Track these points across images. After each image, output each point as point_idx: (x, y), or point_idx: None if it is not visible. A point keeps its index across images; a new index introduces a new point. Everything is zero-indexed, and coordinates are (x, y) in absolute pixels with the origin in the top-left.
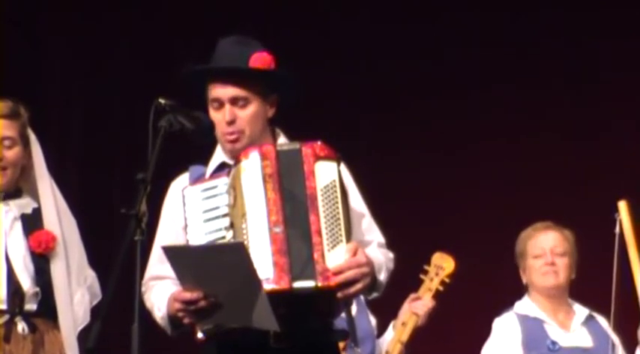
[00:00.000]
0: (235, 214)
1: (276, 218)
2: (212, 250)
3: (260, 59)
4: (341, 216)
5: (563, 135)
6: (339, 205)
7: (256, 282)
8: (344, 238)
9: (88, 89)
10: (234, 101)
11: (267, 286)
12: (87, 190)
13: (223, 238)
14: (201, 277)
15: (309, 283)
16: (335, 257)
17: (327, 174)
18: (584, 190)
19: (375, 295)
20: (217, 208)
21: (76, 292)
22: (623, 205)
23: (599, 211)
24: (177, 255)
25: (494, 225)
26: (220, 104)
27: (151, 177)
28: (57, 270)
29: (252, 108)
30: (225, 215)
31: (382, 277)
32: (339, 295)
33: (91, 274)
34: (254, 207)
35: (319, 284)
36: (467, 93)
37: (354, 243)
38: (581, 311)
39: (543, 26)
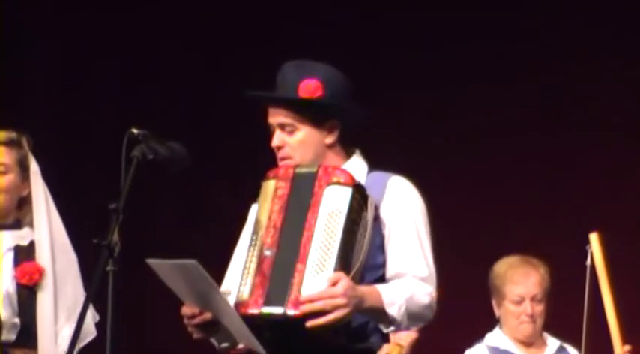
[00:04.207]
0: (252, 234)
1: (270, 241)
2: (177, 266)
3: (306, 88)
4: (336, 245)
5: (536, 166)
6: (339, 233)
7: (227, 303)
8: (331, 267)
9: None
10: (282, 127)
11: (240, 309)
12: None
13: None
14: (189, 292)
15: (277, 310)
16: (313, 286)
17: (336, 200)
18: (557, 222)
19: (392, 329)
20: None
21: (65, 327)
22: (594, 237)
23: (571, 242)
24: (159, 269)
25: (468, 256)
26: (273, 129)
27: (123, 207)
28: (42, 303)
29: (301, 135)
30: None
31: (394, 311)
32: (308, 324)
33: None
34: (259, 227)
35: (287, 312)
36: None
37: (339, 273)
38: (552, 343)
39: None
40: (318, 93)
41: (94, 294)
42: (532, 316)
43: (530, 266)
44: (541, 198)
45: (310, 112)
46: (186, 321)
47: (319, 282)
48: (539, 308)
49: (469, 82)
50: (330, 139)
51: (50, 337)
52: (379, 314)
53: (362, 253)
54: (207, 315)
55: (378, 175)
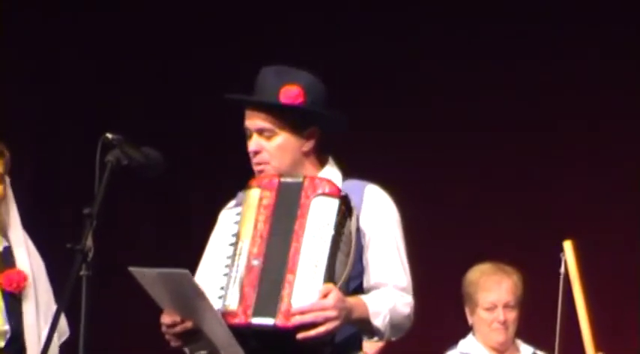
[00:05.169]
0: (235, 243)
1: (257, 251)
2: (165, 275)
3: (287, 93)
4: (325, 256)
5: (511, 173)
6: (327, 245)
7: (214, 312)
8: (320, 279)
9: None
10: (260, 132)
11: (228, 319)
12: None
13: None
14: (172, 301)
15: (268, 321)
16: (303, 298)
17: (323, 211)
18: (531, 230)
19: (375, 339)
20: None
21: (44, 331)
22: (568, 245)
23: (544, 250)
24: (142, 277)
25: (441, 263)
26: (250, 133)
27: (97, 212)
28: (28, 310)
29: (279, 140)
30: None
31: (379, 322)
32: (299, 336)
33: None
34: (245, 237)
35: (278, 323)
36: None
37: (329, 285)
38: (525, 350)
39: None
40: (300, 100)
41: (68, 299)
42: (505, 323)
43: (503, 273)
44: (515, 205)
45: (290, 119)
46: (164, 329)
47: (310, 294)
48: (512, 315)
49: (438, 93)
50: (307, 147)
51: (37, 341)
52: (364, 325)
53: (348, 264)
54: (189, 323)
55: (354, 183)
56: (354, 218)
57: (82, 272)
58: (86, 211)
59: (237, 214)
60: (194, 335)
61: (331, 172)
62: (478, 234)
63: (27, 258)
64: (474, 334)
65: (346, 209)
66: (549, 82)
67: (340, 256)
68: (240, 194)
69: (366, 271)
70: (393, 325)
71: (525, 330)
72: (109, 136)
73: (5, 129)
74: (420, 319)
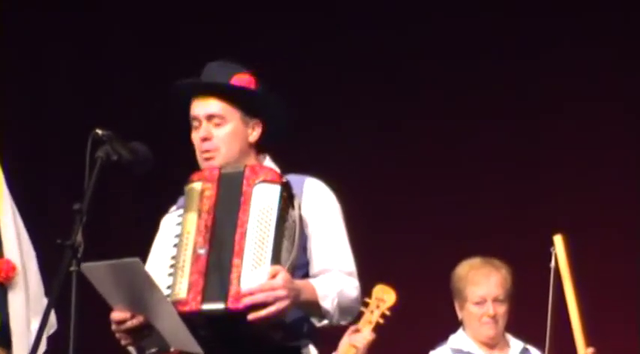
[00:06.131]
0: (180, 236)
1: (202, 240)
2: (116, 267)
3: (240, 79)
4: (270, 240)
5: (500, 167)
6: (271, 229)
7: (166, 302)
8: (268, 262)
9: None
10: (210, 118)
11: (179, 307)
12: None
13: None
14: (121, 295)
15: (218, 305)
16: (252, 280)
17: (265, 197)
18: (521, 224)
19: (325, 322)
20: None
21: (33, 322)
22: (558, 239)
23: (535, 244)
24: (93, 273)
25: (432, 258)
26: (199, 123)
27: (87, 208)
28: (16, 300)
29: (229, 127)
30: None
31: (327, 304)
32: (250, 317)
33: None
34: (189, 228)
35: (228, 306)
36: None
37: (277, 267)
38: (515, 344)
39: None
40: (252, 85)
41: (58, 294)
42: (494, 317)
43: (492, 267)
44: (505, 199)
45: (241, 106)
46: (115, 327)
47: (258, 276)
48: (502, 309)
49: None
50: (253, 138)
51: (23, 333)
52: (313, 308)
53: (293, 250)
54: (139, 319)
55: (293, 177)
56: (296, 206)
57: (72, 268)
58: (76, 206)
59: (180, 215)
60: (144, 331)
61: (271, 166)
62: (468, 228)
63: (17, 247)
64: (464, 329)
65: (288, 196)
66: (541, 73)
67: (285, 243)
68: (181, 199)
69: (311, 260)
70: (342, 308)
71: (516, 324)
72: (99, 131)
73: None
74: (409, 314)
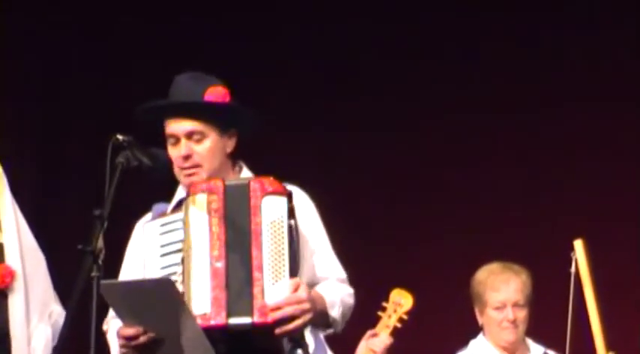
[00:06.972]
0: (185, 249)
1: (218, 253)
2: (142, 285)
3: (214, 93)
4: (286, 252)
5: (521, 174)
6: (285, 240)
7: (191, 318)
8: (287, 274)
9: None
10: (189, 136)
11: (204, 322)
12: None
13: (175, 273)
14: (138, 312)
15: (245, 320)
16: (275, 293)
17: (275, 209)
18: (541, 229)
19: (330, 331)
20: (173, 243)
21: (37, 328)
22: (579, 244)
23: (555, 249)
24: (111, 291)
25: (452, 263)
26: (177, 140)
27: (108, 213)
28: (14, 306)
29: (209, 142)
30: (179, 250)
31: (335, 313)
32: (277, 331)
33: (57, 311)
34: (198, 241)
35: (256, 320)
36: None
37: (297, 279)
38: (536, 349)
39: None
40: (227, 98)
41: (77, 300)
42: (514, 322)
43: (511, 272)
44: (525, 204)
45: (217, 119)
46: (123, 342)
47: (280, 289)
48: (522, 314)
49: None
50: (229, 148)
51: (23, 339)
52: (322, 317)
53: (300, 258)
54: (150, 335)
55: None
56: (296, 216)
57: (93, 273)
58: (97, 212)
59: (163, 225)
60: (153, 348)
61: (248, 175)
62: (488, 233)
63: (18, 253)
64: (484, 335)
65: (292, 207)
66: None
67: (297, 255)
68: (156, 207)
69: (302, 268)
70: (343, 316)
71: (536, 329)
72: (120, 137)
73: (9, 130)
74: (430, 319)
